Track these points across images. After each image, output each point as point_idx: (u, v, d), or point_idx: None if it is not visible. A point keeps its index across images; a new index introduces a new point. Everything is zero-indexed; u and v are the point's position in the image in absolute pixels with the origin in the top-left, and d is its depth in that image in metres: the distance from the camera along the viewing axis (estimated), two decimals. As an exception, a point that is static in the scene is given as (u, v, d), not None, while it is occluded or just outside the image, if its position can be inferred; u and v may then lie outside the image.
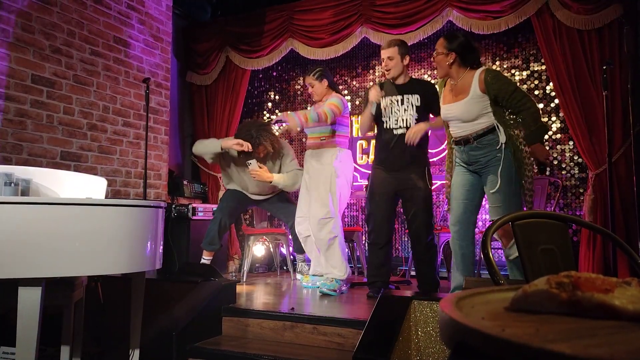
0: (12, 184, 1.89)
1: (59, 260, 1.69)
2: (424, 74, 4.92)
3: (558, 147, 4.30)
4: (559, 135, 4.31)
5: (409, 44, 3.90)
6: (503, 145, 2.66)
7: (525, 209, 2.70)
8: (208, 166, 5.21)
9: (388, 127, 3.23)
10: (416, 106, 3.17)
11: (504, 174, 2.65)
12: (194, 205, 4.36)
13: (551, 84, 4.17)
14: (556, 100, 4.23)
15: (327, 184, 3.49)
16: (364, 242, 4.68)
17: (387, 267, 3.31)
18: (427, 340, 2.17)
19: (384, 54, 3.22)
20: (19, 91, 3.48)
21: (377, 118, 3.26)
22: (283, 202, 4.03)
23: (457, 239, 2.81)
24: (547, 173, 4.11)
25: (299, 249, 4.02)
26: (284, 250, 4.63)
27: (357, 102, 5.18)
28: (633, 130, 3.37)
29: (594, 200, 3.82)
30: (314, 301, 3.25)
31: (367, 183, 3.53)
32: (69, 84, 3.83)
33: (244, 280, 3.98)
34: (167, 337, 2.64)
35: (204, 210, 4.40)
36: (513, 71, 4.52)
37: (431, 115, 3.26)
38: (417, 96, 3.17)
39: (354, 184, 4.43)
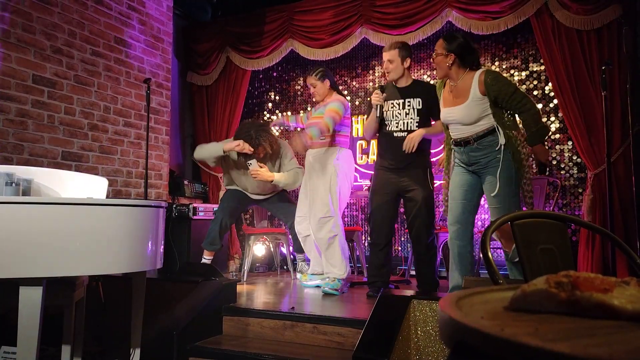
0: (14, 184, 1.90)
1: (60, 260, 1.70)
2: (424, 75, 4.92)
3: (557, 147, 4.31)
4: (558, 136, 4.31)
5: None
6: (502, 146, 2.66)
7: (525, 209, 2.70)
8: (208, 166, 5.21)
9: (389, 130, 3.22)
10: (418, 109, 3.15)
11: (503, 175, 2.66)
12: (195, 205, 4.37)
13: (550, 84, 4.17)
14: (555, 101, 4.23)
15: (327, 183, 3.49)
16: (364, 241, 4.68)
17: (388, 268, 3.32)
18: (427, 340, 2.18)
19: (385, 56, 3.21)
20: (20, 91, 3.48)
21: (380, 121, 3.24)
22: (283, 201, 4.03)
23: (456, 238, 2.81)
24: (547, 173, 4.11)
25: (299, 248, 4.02)
26: (284, 249, 4.63)
27: (357, 103, 5.18)
28: (632, 130, 3.37)
29: (593, 200, 3.82)
30: (314, 300, 3.25)
31: (367, 183, 3.54)
32: (69, 84, 3.84)
33: (245, 279, 3.99)
34: (168, 337, 2.65)
35: (204, 210, 4.41)
36: (512, 72, 4.52)
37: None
38: (419, 99, 3.15)
39: (354, 184, 4.43)
